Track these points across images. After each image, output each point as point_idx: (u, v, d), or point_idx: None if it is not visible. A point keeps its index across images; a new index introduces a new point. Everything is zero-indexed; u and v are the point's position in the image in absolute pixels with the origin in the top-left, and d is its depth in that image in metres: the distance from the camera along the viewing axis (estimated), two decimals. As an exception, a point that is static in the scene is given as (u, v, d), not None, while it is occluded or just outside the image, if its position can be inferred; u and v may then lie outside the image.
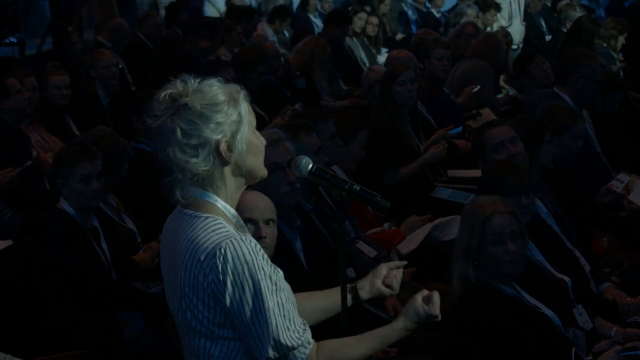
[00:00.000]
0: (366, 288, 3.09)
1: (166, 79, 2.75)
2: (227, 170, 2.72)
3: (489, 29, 11.74)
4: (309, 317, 2.90)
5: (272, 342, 2.61)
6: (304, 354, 2.67)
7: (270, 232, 3.58)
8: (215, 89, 2.70)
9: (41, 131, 7.19)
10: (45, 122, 7.29)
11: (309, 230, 4.59)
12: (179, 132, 2.64)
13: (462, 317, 3.76)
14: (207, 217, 2.68)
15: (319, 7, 13.52)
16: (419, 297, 2.93)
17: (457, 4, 13.30)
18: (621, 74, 8.96)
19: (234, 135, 2.68)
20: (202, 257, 2.62)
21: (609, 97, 6.87)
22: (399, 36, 13.02)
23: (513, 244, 3.84)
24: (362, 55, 11.52)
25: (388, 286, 3.09)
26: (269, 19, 12.20)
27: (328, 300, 3.06)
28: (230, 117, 2.68)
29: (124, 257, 5.00)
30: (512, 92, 9.71)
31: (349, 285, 3.08)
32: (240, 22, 11.10)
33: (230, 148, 2.68)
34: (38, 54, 10.14)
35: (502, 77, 10.19)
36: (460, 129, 7.31)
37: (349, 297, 3.06)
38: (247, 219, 3.55)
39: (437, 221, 5.53)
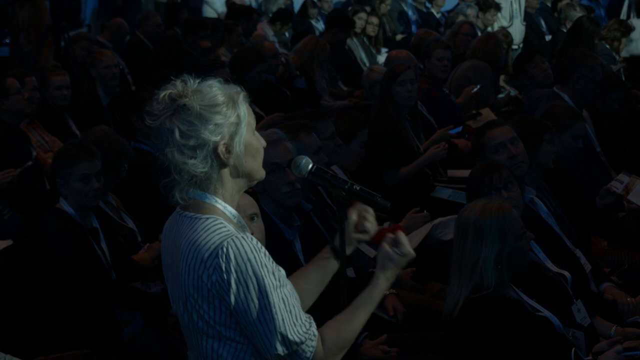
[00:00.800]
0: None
1: (165, 78, 2.75)
2: (226, 172, 2.71)
3: (489, 29, 11.74)
4: (310, 295, 2.91)
5: (279, 337, 2.61)
6: (312, 347, 2.66)
7: (256, 226, 3.55)
8: (215, 90, 2.68)
9: (41, 131, 7.20)
10: (45, 122, 7.30)
11: (309, 230, 4.60)
12: (177, 133, 2.63)
13: (464, 318, 3.75)
14: (207, 218, 2.67)
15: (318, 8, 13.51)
16: (385, 245, 2.89)
17: (457, 4, 13.29)
18: (622, 73, 8.97)
19: (232, 137, 2.67)
20: (205, 258, 2.61)
21: (609, 97, 6.88)
22: (399, 36, 13.02)
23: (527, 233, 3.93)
24: (362, 55, 11.52)
25: (362, 231, 3.02)
26: (271, 20, 12.20)
27: (318, 270, 3.01)
28: (229, 119, 2.67)
29: (124, 257, 5.00)
30: (512, 92, 9.72)
31: (326, 248, 3.03)
32: (239, 22, 11.11)
33: (228, 150, 2.67)
34: (38, 54, 10.14)
35: (502, 77, 10.20)
36: (460, 128, 7.32)
37: (333, 260, 3.01)
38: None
39: (437, 221, 5.53)
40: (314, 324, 2.71)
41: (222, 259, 2.59)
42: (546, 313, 3.98)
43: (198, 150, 2.64)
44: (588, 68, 6.33)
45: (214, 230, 2.64)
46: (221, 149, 2.66)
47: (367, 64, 11.01)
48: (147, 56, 9.95)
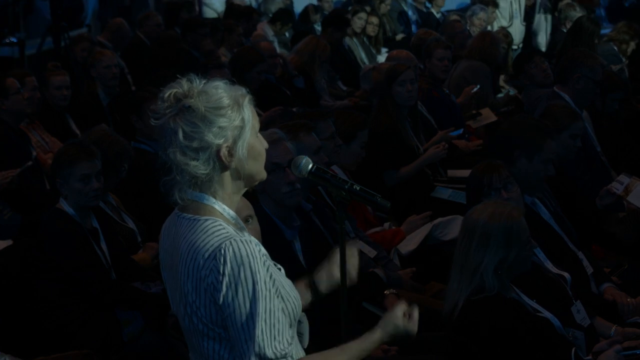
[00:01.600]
0: (324, 281, 3.07)
1: (166, 78, 2.74)
2: (227, 174, 2.69)
3: (489, 28, 11.74)
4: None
5: (256, 348, 2.56)
6: None
7: (252, 228, 3.55)
8: (221, 91, 2.66)
9: (41, 132, 7.20)
10: (45, 122, 7.30)
11: (308, 230, 4.59)
12: (180, 134, 2.61)
13: (464, 319, 3.75)
14: (206, 220, 2.66)
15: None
16: (399, 311, 2.88)
17: (469, 5, 13.11)
18: (626, 72, 8.96)
19: (235, 141, 2.65)
20: (203, 260, 2.60)
21: (609, 97, 6.88)
22: (399, 36, 13.01)
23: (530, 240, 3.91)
24: (362, 55, 11.53)
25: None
26: (271, 20, 12.19)
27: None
28: (233, 122, 2.65)
29: (124, 257, 5.00)
30: (512, 92, 9.72)
31: (304, 282, 3.07)
32: (239, 22, 11.11)
33: (231, 153, 2.65)
34: (38, 54, 10.15)
35: (502, 77, 10.20)
36: (460, 131, 7.33)
37: (308, 293, 3.05)
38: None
39: (437, 221, 5.54)
40: (294, 345, 2.67)
41: (220, 261, 2.57)
42: (546, 314, 3.98)
43: (201, 152, 2.62)
44: (588, 68, 6.33)
45: (213, 232, 2.62)
46: (224, 152, 2.64)
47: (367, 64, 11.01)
48: (148, 56, 9.95)
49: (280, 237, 4.35)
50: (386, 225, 5.74)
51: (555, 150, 4.95)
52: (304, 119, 5.14)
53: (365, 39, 11.83)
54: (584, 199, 5.55)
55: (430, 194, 6.49)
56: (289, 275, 2.81)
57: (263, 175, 2.78)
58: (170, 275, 2.75)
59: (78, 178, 4.76)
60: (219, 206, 2.70)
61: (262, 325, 2.57)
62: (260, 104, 7.60)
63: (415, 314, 2.90)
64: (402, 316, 2.88)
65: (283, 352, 2.60)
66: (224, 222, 2.66)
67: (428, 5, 14.12)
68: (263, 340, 2.57)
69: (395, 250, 5.42)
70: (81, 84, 8.64)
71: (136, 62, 9.82)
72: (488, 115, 8.06)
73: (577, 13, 11.01)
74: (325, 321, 3.79)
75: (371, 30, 11.93)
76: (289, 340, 2.63)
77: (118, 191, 5.61)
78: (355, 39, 11.60)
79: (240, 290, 2.56)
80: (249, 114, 2.69)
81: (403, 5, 13.87)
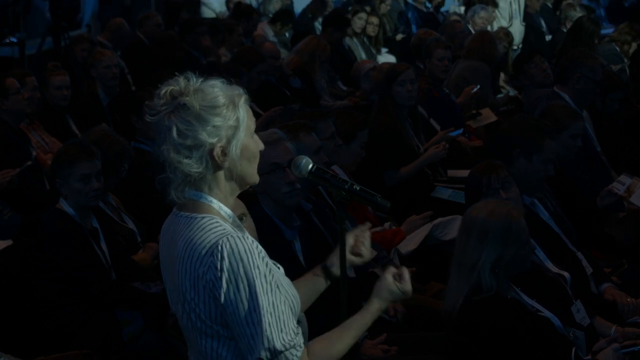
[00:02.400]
0: (336, 263, 3.07)
1: (165, 78, 2.74)
2: (220, 174, 2.69)
3: (488, 27, 11.74)
4: (306, 299, 2.93)
5: (264, 342, 2.58)
6: (296, 356, 2.63)
7: (247, 226, 3.56)
8: (217, 90, 2.66)
9: (41, 132, 7.20)
10: (45, 122, 7.30)
11: (308, 230, 4.59)
12: (174, 131, 2.62)
13: (464, 319, 3.75)
14: (203, 217, 2.66)
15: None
16: (389, 276, 2.92)
17: (473, 4, 13.12)
18: (627, 73, 8.96)
19: (229, 141, 2.65)
20: (201, 257, 2.60)
21: (609, 97, 6.88)
22: (399, 36, 13.01)
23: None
24: (362, 55, 11.52)
25: (357, 254, 3.08)
26: (271, 20, 12.19)
27: (307, 286, 3.05)
28: (227, 122, 2.64)
29: (124, 257, 5.00)
30: (512, 92, 9.72)
31: (319, 267, 3.08)
32: (240, 22, 11.11)
33: (224, 153, 2.65)
34: (38, 54, 10.15)
35: (502, 77, 10.20)
36: (460, 131, 7.33)
37: (322, 280, 3.07)
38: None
39: (437, 221, 5.53)
40: (300, 334, 2.68)
41: (217, 257, 2.58)
42: (547, 313, 3.98)
43: (194, 150, 2.62)
44: (588, 68, 6.33)
45: (210, 229, 2.63)
46: (217, 151, 2.64)
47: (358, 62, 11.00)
48: (147, 56, 9.95)
49: (280, 237, 4.35)
50: (386, 225, 5.74)
51: (555, 150, 4.95)
52: (304, 119, 5.14)
53: (365, 39, 11.83)
54: (584, 199, 5.56)
55: (430, 194, 6.50)
56: (288, 275, 2.81)
57: (256, 178, 2.77)
58: (169, 274, 2.76)
59: (78, 178, 4.76)
60: (216, 204, 2.70)
61: (268, 318, 2.58)
62: (260, 104, 7.63)
63: (406, 273, 2.92)
64: (392, 281, 2.91)
65: (292, 343, 2.62)
66: (221, 220, 2.67)
67: (428, 5, 14.12)
68: (271, 333, 2.58)
69: (395, 250, 5.41)
70: (81, 84, 8.64)
71: (136, 62, 9.82)
72: (488, 115, 8.07)
73: (577, 13, 11.02)
74: (325, 321, 3.78)
75: (371, 30, 11.92)
76: (295, 331, 2.65)
77: (118, 191, 5.61)
78: (355, 39, 11.60)
79: (241, 285, 2.57)
80: (244, 114, 2.69)
81: (403, 5, 13.87)
